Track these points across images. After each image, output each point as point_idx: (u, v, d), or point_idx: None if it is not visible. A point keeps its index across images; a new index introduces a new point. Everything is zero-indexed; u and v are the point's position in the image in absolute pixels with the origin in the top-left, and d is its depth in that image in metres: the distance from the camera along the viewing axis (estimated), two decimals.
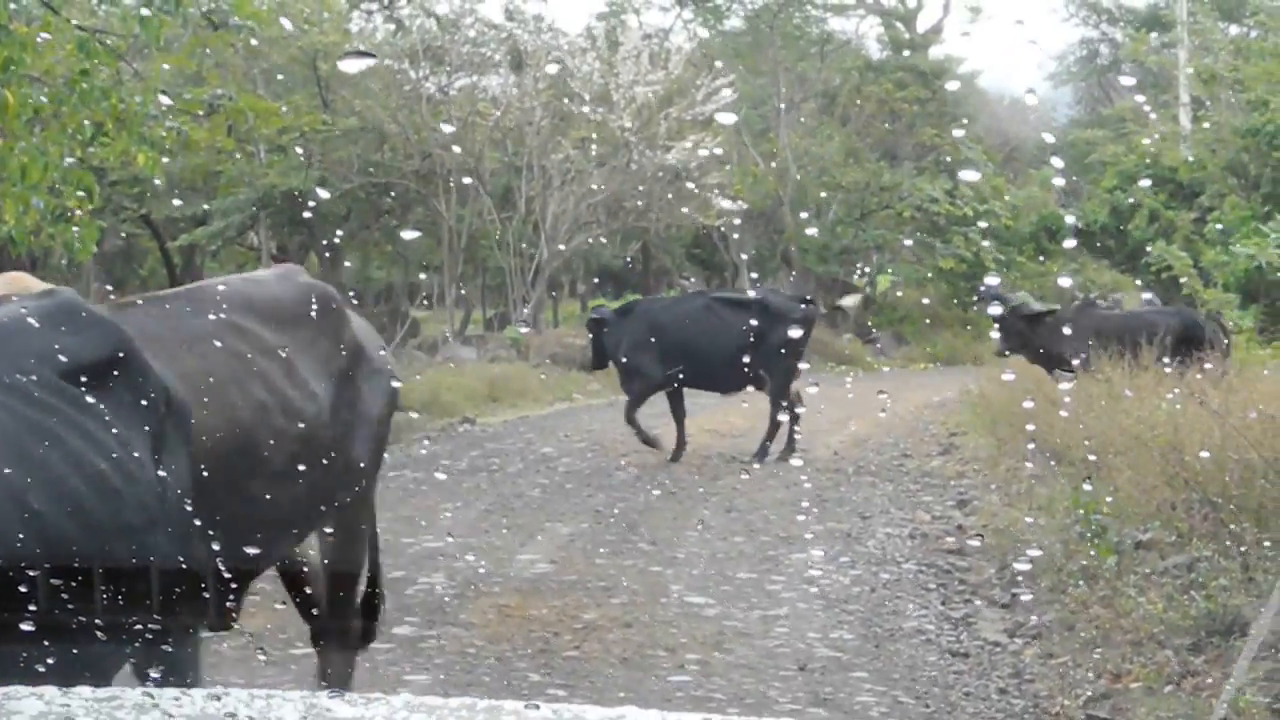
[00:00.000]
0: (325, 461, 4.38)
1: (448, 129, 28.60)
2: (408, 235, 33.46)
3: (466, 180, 28.79)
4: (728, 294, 15.61)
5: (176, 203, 28.80)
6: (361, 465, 4.72)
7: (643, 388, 14.65)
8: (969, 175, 33.73)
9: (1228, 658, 5.88)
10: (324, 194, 29.33)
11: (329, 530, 4.70)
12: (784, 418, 14.06)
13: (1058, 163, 37.52)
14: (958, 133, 35.37)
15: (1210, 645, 6.27)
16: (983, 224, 33.05)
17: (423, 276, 36.37)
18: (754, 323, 13.89)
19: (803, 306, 14.66)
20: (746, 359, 13.62)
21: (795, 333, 13.88)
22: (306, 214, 29.82)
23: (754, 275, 33.51)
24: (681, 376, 14.44)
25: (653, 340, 14.53)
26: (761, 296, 14.84)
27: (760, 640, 7.15)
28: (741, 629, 7.38)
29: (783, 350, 13.72)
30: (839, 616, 7.76)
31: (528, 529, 10.45)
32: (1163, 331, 13.62)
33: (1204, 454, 7.95)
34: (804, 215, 34.35)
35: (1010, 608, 7.85)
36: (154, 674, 3.16)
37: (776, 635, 7.26)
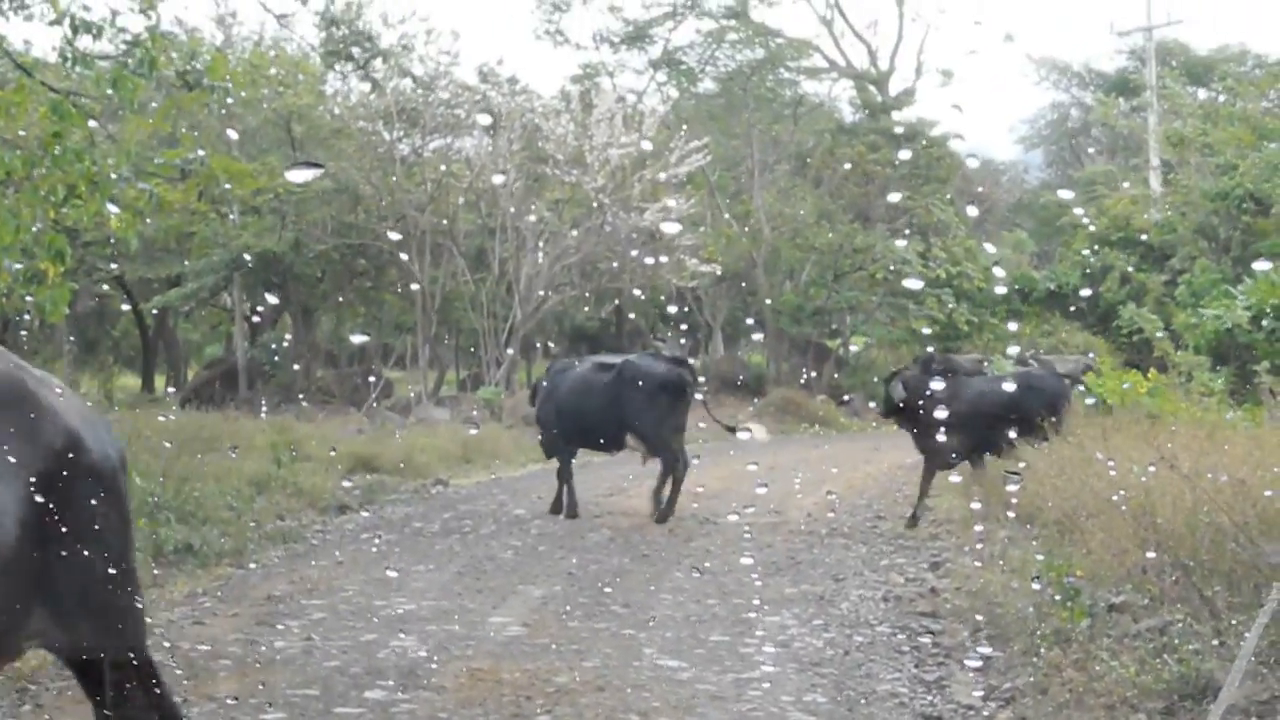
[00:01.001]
0: (32, 583, 3.72)
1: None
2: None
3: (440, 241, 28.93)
4: (603, 359, 15.86)
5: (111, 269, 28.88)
6: (98, 573, 3.96)
7: (547, 447, 15.49)
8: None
9: None
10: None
11: (93, 632, 3.99)
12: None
13: (989, 248, 38.24)
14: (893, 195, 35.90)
15: (1183, 709, 6.26)
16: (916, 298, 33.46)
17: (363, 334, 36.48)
18: (618, 386, 14.61)
19: (666, 369, 14.73)
20: (615, 420, 14.49)
21: (660, 394, 14.35)
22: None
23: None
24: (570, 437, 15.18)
25: (551, 403, 15.31)
26: (627, 360, 15.17)
27: (733, 704, 7.11)
28: (715, 692, 7.34)
29: (653, 411, 14.29)
30: (812, 679, 7.72)
31: (500, 591, 10.39)
32: (994, 403, 13.50)
33: (1175, 518, 7.97)
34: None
35: (984, 670, 7.83)
36: None
37: (749, 699, 7.22)
